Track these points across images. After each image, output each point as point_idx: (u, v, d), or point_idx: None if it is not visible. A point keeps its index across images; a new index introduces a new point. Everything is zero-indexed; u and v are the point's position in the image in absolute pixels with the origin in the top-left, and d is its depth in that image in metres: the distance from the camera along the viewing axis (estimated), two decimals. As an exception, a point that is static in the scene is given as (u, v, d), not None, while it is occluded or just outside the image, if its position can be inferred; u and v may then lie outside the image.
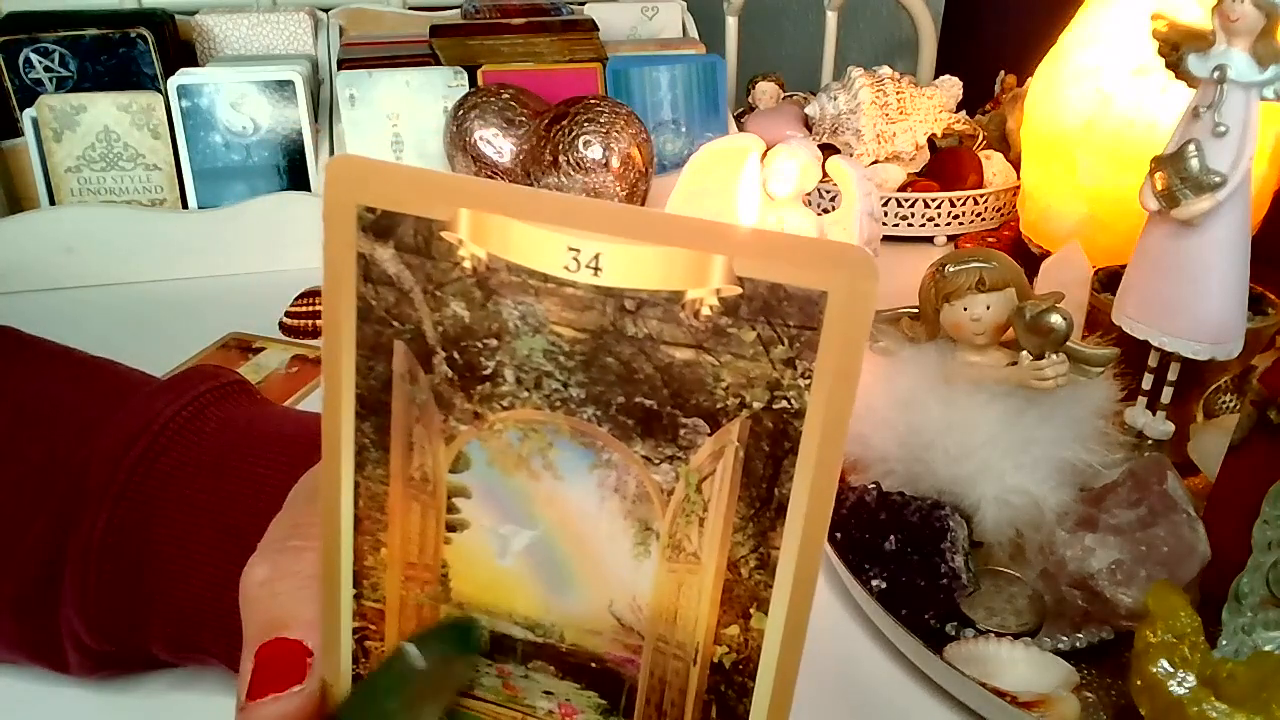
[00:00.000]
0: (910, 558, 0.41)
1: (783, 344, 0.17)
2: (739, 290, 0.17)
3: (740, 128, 0.89)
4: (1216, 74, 0.40)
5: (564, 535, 0.19)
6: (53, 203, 0.75)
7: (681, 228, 0.17)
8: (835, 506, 0.44)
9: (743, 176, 0.62)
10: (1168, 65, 0.43)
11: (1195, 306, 0.43)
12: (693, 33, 0.96)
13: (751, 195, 0.61)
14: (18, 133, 0.76)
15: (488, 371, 0.18)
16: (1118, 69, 0.64)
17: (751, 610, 0.18)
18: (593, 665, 0.20)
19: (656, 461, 0.18)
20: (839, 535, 0.43)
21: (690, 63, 0.84)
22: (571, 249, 0.17)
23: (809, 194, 0.70)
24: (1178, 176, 0.41)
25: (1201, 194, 0.41)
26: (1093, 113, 0.65)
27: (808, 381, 0.17)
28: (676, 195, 0.64)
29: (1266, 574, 0.36)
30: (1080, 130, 0.66)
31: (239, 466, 0.33)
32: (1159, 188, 0.42)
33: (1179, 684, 0.33)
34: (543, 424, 0.18)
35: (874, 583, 0.41)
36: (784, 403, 0.17)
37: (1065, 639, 0.40)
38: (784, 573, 0.18)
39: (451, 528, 0.20)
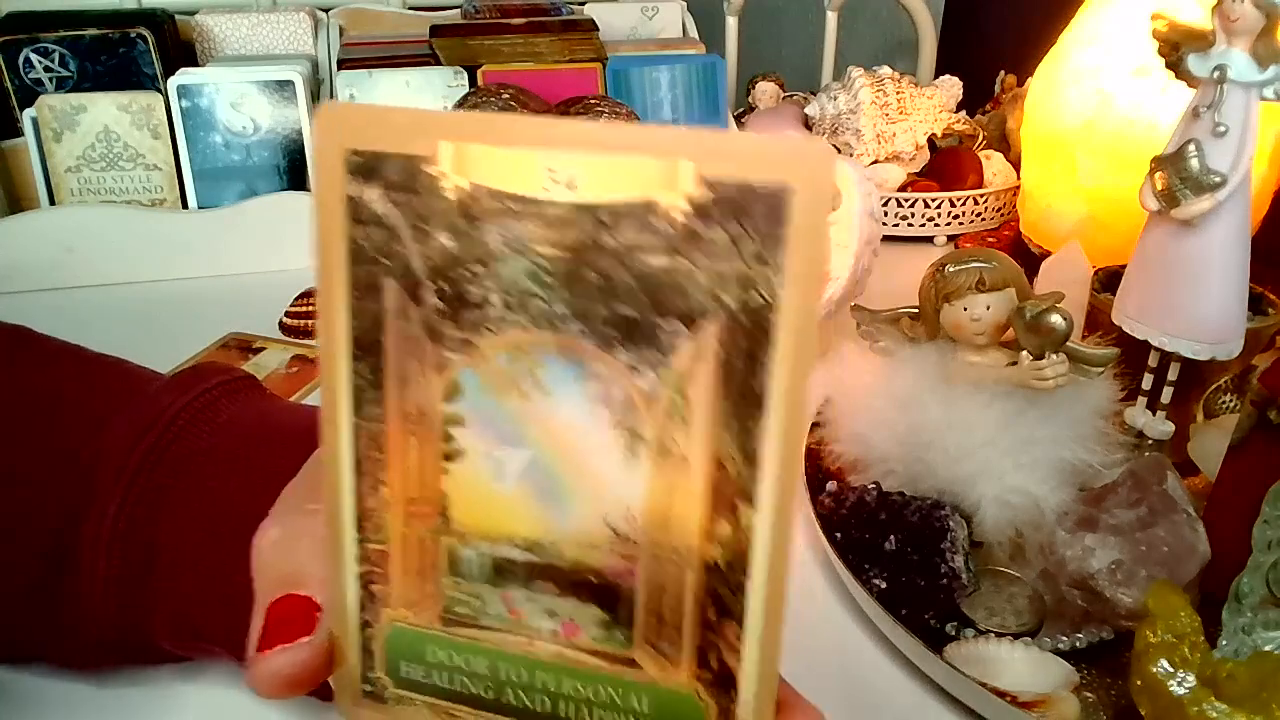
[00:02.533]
0: (910, 558, 0.41)
1: (753, 240, 0.17)
2: (708, 193, 0.17)
3: (740, 128, 0.89)
4: (1216, 74, 0.40)
5: (557, 452, 0.20)
6: (53, 203, 0.75)
7: (649, 137, 0.18)
8: (835, 506, 0.45)
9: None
10: (1168, 65, 0.43)
11: (1195, 306, 0.43)
12: (693, 33, 0.96)
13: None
14: (18, 133, 0.76)
15: (476, 299, 0.19)
16: (1118, 69, 0.64)
17: (739, 505, 0.19)
18: (592, 580, 0.20)
19: (641, 369, 0.19)
20: (839, 535, 0.43)
21: (690, 63, 0.84)
22: (549, 169, 0.18)
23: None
24: (1178, 176, 0.41)
25: (1201, 194, 0.41)
26: (1093, 113, 0.65)
27: (779, 276, 0.17)
28: (676, 195, 0.64)
29: (1266, 574, 0.36)
30: (1080, 130, 0.66)
31: (250, 456, 0.33)
32: (1159, 188, 0.42)
33: (1179, 684, 0.33)
34: (531, 344, 0.19)
35: (874, 583, 0.41)
36: (758, 299, 0.17)
37: (1065, 639, 0.40)
38: (769, 464, 0.18)
39: (449, 458, 0.20)
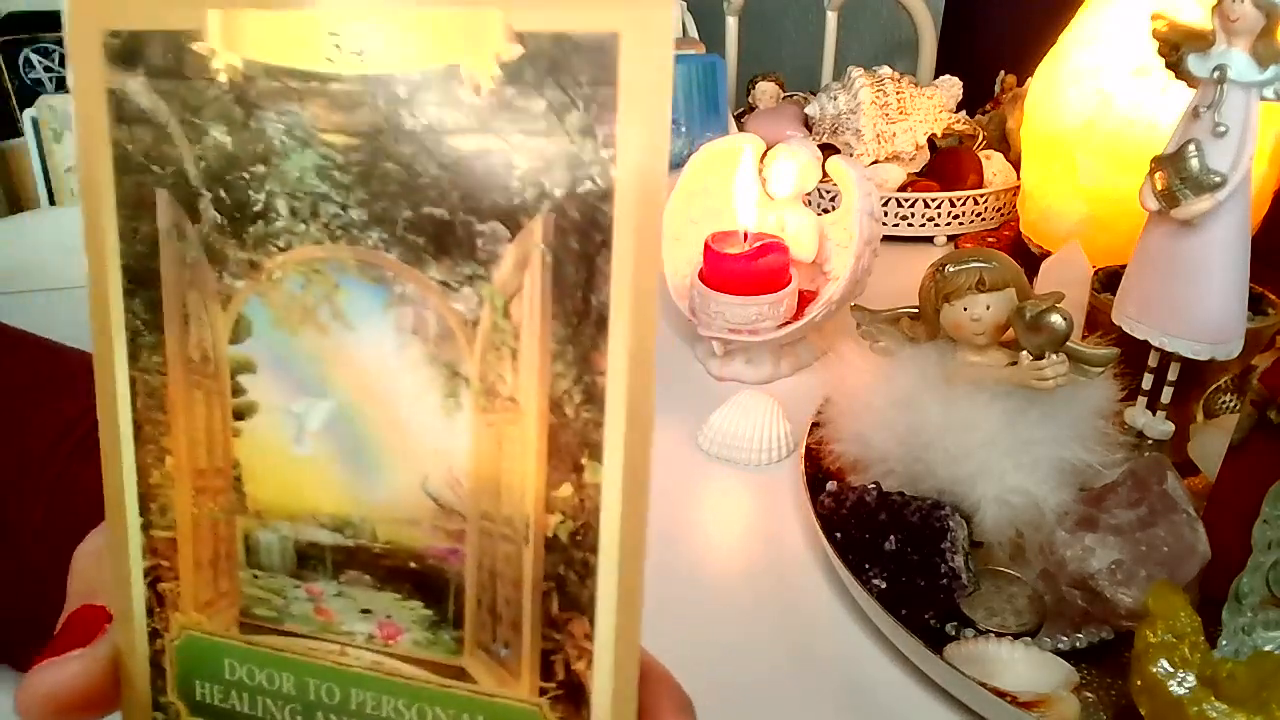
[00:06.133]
0: (910, 558, 0.41)
1: (578, 108, 0.15)
2: (520, 50, 0.15)
3: (740, 128, 0.89)
4: (1216, 74, 0.40)
5: (364, 400, 0.17)
6: (53, 203, 0.75)
7: None
8: (835, 506, 0.45)
9: (738, 175, 0.62)
10: (1168, 65, 0.43)
11: (1195, 306, 0.43)
12: (693, 33, 0.96)
13: (748, 194, 0.61)
14: (18, 133, 0.76)
15: (259, 207, 0.16)
16: (1118, 69, 0.64)
17: (583, 460, 0.16)
18: (413, 566, 0.17)
19: (456, 286, 0.16)
20: (839, 535, 0.43)
21: (690, 63, 0.84)
22: (332, 34, 0.15)
23: (809, 194, 0.70)
24: (1178, 176, 0.41)
25: (1201, 194, 0.41)
26: (1093, 113, 0.65)
27: (611, 152, 0.15)
28: (676, 195, 0.64)
29: (1266, 574, 0.36)
30: (1080, 130, 0.66)
31: None
32: (1159, 188, 0.42)
33: (1179, 684, 0.33)
34: (325, 262, 0.16)
35: (874, 583, 0.41)
36: (588, 184, 0.15)
37: (1065, 639, 0.40)
38: (614, 404, 0.15)
39: (239, 415, 0.17)
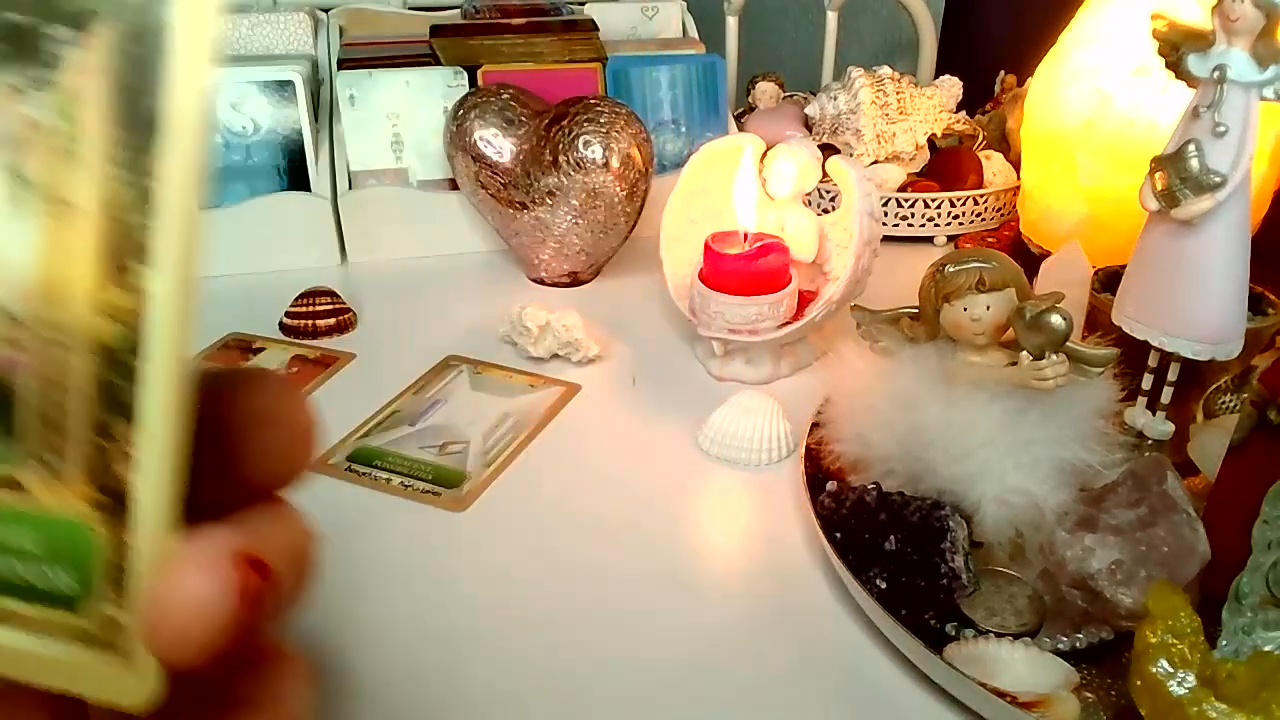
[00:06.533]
0: (910, 558, 0.41)
1: None
2: None
3: (740, 128, 0.89)
4: (1216, 74, 0.40)
5: None
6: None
7: None
8: (835, 506, 0.45)
9: (738, 175, 0.62)
10: (1168, 65, 0.43)
11: (1195, 306, 0.43)
12: (693, 33, 0.96)
13: (748, 194, 0.61)
14: (18, 133, 0.76)
15: None
16: (1118, 69, 0.64)
17: (136, 265, 0.16)
18: None
19: (24, 89, 0.16)
20: (839, 535, 0.43)
21: (690, 63, 0.84)
22: None
23: (809, 194, 0.70)
24: (1178, 176, 0.41)
25: (1201, 194, 0.41)
26: (1093, 113, 0.65)
27: None
28: (676, 195, 0.64)
29: (1266, 574, 0.36)
30: (1080, 130, 0.66)
31: None
32: (1159, 188, 0.42)
33: (1179, 684, 0.33)
34: None
35: (874, 583, 0.41)
36: None
37: (1065, 639, 0.40)
38: (167, 211, 0.16)
39: None
